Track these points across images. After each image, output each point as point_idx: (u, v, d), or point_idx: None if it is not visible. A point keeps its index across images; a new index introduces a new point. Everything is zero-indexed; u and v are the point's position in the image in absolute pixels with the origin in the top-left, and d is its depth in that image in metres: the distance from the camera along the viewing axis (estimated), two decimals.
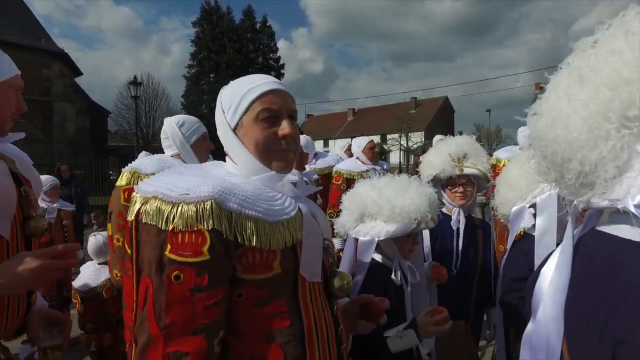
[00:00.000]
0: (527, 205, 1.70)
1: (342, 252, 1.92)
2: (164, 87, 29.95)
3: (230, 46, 29.78)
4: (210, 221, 0.86)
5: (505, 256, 1.86)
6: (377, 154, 4.74)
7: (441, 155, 2.23)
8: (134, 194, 0.94)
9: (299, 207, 1.03)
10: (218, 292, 0.88)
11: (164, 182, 0.93)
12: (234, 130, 1.04)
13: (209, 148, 2.17)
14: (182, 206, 0.87)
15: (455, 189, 2.22)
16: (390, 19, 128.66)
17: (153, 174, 1.77)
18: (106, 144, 26.89)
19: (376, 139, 41.92)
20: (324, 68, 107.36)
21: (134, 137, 24.03)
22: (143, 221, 0.88)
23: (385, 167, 4.64)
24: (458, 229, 2.22)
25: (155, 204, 0.88)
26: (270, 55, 31.95)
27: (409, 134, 32.90)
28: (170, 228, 0.86)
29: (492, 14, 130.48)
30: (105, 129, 27.37)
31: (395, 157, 33.03)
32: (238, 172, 1.03)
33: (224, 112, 1.05)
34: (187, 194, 0.88)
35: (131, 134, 26.09)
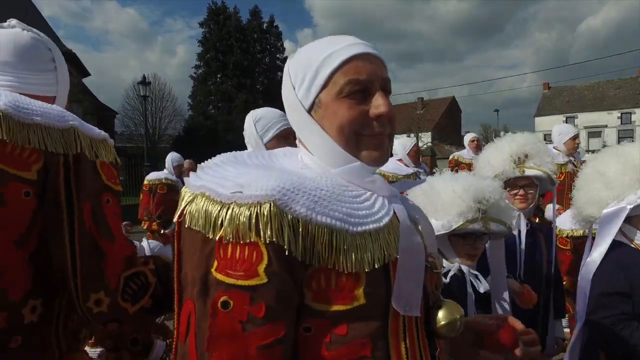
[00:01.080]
0: (630, 207, 1.46)
1: None
2: (170, 88, 29.91)
3: (237, 46, 29.72)
4: (269, 231, 0.64)
5: (585, 265, 1.67)
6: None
7: (501, 155, 2.08)
8: (183, 189, 0.76)
9: (393, 211, 0.77)
10: (279, 327, 0.66)
11: (216, 174, 0.73)
12: (309, 111, 0.79)
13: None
14: (232, 208, 0.66)
15: (515, 191, 2.06)
16: (396, 20, 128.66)
17: None
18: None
19: None
20: None
21: (141, 138, 24.01)
22: (186, 225, 0.70)
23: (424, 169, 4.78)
24: (519, 233, 2.05)
25: (202, 203, 0.68)
26: (277, 55, 31.87)
27: (420, 135, 32.79)
28: (218, 237, 0.65)
29: (499, 14, 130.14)
30: (112, 129, 27.40)
31: None
32: (314, 164, 0.80)
33: (294, 88, 0.81)
34: (241, 192, 0.67)
35: (138, 135, 26.03)
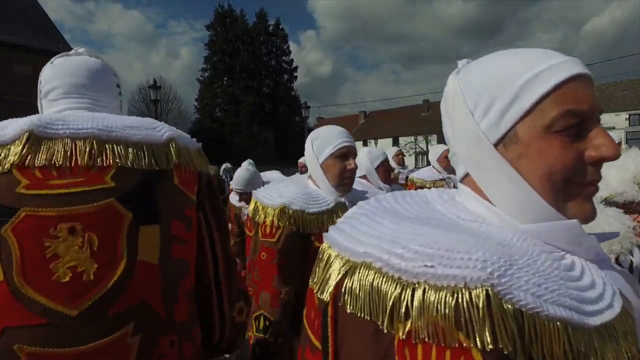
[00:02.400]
0: None
1: None
2: (175, 90, 30.15)
3: (243, 49, 29.88)
4: (488, 333, 0.43)
5: None
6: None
7: (622, 173, 1.74)
8: (325, 247, 0.60)
9: (620, 294, 0.55)
10: None
11: (374, 232, 0.55)
12: (497, 144, 0.58)
13: (346, 168, 1.52)
14: (424, 291, 0.46)
15: (637, 216, 1.75)
16: (399, 21, 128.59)
17: (256, 200, 1.52)
18: None
19: (389, 142, 41.75)
20: (333, 71, 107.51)
21: None
22: (348, 309, 0.51)
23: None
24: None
25: (370, 278, 0.50)
26: (283, 58, 31.99)
27: (429, 137, 32.64)
28: (402, 333, 0.46)
29: (503, 15, 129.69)
30: None
31: (410, 161, 32.80)
32: (495, 218, 0.59)
33: (471, 113, 0.60)
34: (432, 266, 0.47)
35: None
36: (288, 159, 22.18)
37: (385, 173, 2.98)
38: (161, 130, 0.93)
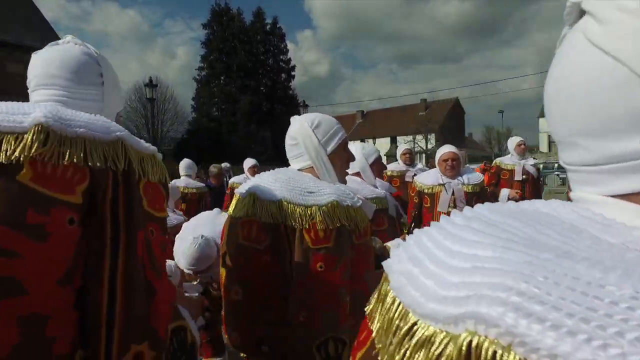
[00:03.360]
0: None
1: None
2: (172, 90, 30.00)
3: (240, 48, 29.77)
4: None
5: None
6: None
7: None
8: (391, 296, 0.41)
9: None
10: None
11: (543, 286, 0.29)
12: None
13: (349, 159, 1.51)
14: None
15: None
16: (396, 21, 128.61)
17: (281, 201, 1.28)
18: None
19: (386, 141, 41.60)
20: (330, 70, 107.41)
21: (146, 140, 23.96)
22: None
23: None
24: None
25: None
26: (281, 57, 31.90)
27: (428, 136, 32.64)
28: None
29: (500, 14, 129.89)
30: None
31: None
32: None
33: None
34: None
35: (139, 138, 26.07)
36: (286, 158, 22.00)
37: (380, 169, 2.80)
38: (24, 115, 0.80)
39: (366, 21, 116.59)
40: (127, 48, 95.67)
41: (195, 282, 1.81)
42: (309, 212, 1.24)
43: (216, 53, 30.22)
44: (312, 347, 1.17)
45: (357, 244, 1.34)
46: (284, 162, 1.61)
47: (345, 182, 1.48)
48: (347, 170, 1.51)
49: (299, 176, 1.39)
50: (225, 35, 30.08)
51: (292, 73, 32.11)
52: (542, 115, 38.63)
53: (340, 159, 1.44)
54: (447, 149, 3.32)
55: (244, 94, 28.66)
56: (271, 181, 1.34)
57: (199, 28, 32.00)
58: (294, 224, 1.23)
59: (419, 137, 33.52)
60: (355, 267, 1.32)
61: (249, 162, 5.53)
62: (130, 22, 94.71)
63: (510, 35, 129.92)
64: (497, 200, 2.97)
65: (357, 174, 2.55)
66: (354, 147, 2.39)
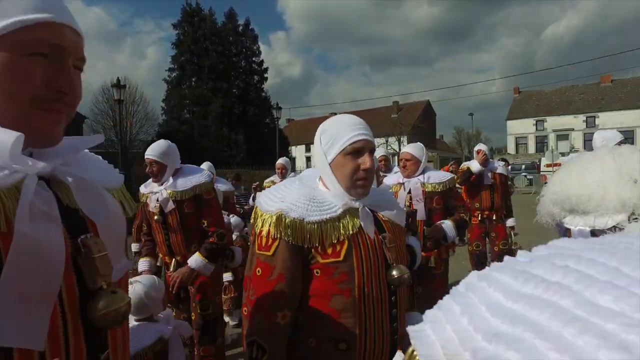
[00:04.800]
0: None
1: None
2: (141, 91, 29.25)
3: (212, 49, 29.32)
4: None
5: None
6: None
7: (620, 178, 0.90)
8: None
9: None
10: None
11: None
12: None
13: (358, 168, 1.27)
14: None
15: None
16: (369, 24, 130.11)
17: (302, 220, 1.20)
18: None
19: None
20: (303, 72, 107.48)
21: (111, 143, 23.28)
22: None
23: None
24: None
25: None
26: (253, 59, 31.64)
27: (401, 138, 33.15)
28: None
29: (470, 19, 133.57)
30: (81, 135, 26.44)
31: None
32: None
33: None
34: None
35: (107, 141, 25.25)
36: (259, 160, 21.92)
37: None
38: None
39: (339, 23, 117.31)
40: (93, 47, 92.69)
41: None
42: (264, 217, 1.25)
43: (187, 54, 29.66)
44: (246, 342, 1.22)
45: (323, 263, 1.20)
46: (257, 165, 1.59)
47: (357, 194, 1.28)
48: (359, 180, 1.27)
49: (301, 182, 1.35)
50: (197, 36, 29.57)
51: (265, 75, 31.91)
52: (510, 117, 39.95)
53: (343, 167, 1.26)
54: (404, 150, 3.37)
55: (216, 96, 28.25)
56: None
57: (170, 28, 31.31)
58: (255, 227, 1.28)
59: (392, 139, 34.00)
60: (319, 286, 1.21)
61: (278, 162, 5.59)
62: (97, 20, 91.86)
63: (480, 40, 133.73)
64: (415, 220, 2.73)
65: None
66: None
